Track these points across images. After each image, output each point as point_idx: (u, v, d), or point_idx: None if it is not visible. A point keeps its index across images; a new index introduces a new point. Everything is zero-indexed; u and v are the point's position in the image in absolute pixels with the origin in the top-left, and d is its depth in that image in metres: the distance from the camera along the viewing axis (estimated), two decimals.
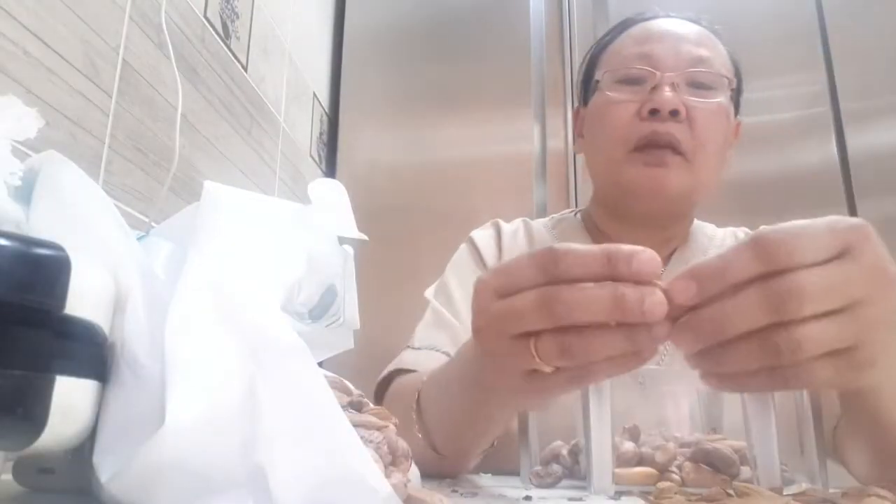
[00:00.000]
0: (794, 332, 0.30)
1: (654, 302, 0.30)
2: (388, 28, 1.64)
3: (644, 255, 0.31)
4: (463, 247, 0.82)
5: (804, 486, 0.39)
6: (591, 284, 0.32)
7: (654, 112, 0.66)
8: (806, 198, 1.32)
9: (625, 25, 0.77)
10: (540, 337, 0.33)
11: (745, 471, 0.42)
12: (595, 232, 0.79)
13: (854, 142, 1.32)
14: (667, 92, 0.66)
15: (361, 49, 1.64)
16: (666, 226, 0.75)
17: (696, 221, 0.80)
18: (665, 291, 0.31)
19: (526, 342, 0.34)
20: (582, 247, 0.33)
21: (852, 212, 1.29)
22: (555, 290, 0.32)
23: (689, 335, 0.32)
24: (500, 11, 1.57)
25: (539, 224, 0.84)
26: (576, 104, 0.84)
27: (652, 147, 0.67)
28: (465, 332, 0.72)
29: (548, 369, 0.34)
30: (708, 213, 0.83)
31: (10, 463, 0.31)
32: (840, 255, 0.31)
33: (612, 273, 0.31)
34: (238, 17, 1.15)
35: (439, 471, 0.54)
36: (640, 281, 0.31)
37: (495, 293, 0.36)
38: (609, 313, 0.31)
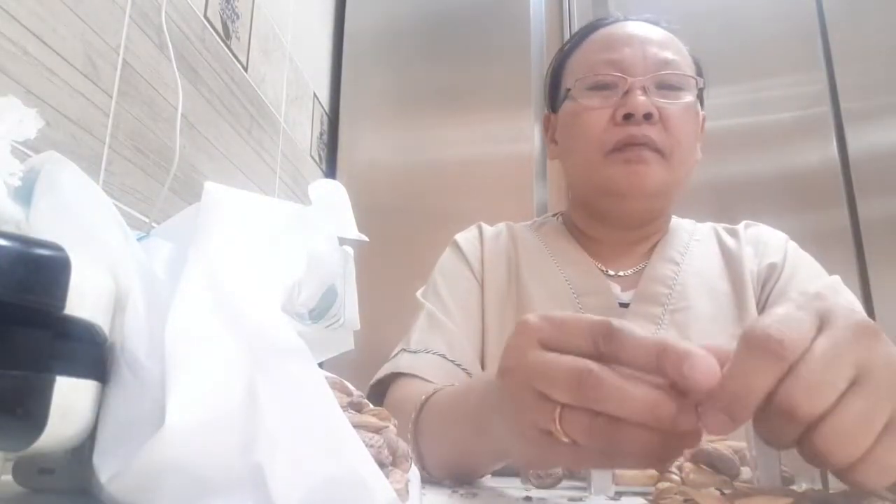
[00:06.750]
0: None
1: (688, 421, 0.29)
2: (388, 28, 1.64)
3: (698, 361, 0.28)
4: (448, 250, 0.84)
5: (804, 486, 0.39)
6: (627, 381, 0.30)
7: (628, 116, 0.68)
8: (806, 198, 1.32)
9: (587, 31, 0.79)
10: (567, 407, 0.32)
11: (745, 471, 0.42)
12: (577, 232, 0.80)
13: (854, 142, 1.32)
14: (639, 96, 0.68)
15: (361, 49, 1.64)
16: (644, 224, 0.76)
17: (673, 217, 0.81)
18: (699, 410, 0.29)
19: (552, 404, 0.32)
20: (638, 331, 0.31)
21: (852, 211, 1.29)
22: (594, 372, 0.30)
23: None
24: (500, 11, 1.56)
25: (522, 227, 0.84)
26: (545, 111, 0.85)
27: (630, 146, 0.69)
28: (459, 333, 0.73)
29: (564, 439, 0.32)
30: (707, 214, 0.83)
31: (10, 463, 0.31)
32: (855, 381, 0.29)
33: (659, 369, 0.29)
34: (238, 18, 1.15)
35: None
36: (686, 384, 0.29)
37: (540, 342, 0.34)
38: (639, 416, 0.30)
